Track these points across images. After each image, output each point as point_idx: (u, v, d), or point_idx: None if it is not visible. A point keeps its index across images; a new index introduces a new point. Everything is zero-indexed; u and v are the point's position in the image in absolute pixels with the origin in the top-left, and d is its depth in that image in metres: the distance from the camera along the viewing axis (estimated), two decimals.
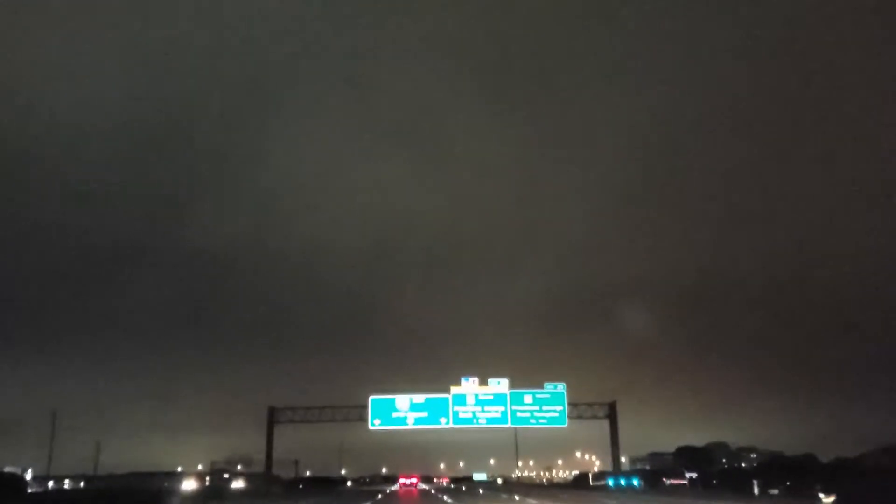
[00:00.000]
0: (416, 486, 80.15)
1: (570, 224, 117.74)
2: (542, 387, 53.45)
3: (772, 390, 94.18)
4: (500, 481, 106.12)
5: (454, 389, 53.11)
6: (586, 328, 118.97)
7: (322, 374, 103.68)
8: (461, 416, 52.65)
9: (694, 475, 56.67)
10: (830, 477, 29.07)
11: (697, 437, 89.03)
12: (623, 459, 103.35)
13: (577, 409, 54.22)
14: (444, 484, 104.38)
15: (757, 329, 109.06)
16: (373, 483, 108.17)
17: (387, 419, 53.00)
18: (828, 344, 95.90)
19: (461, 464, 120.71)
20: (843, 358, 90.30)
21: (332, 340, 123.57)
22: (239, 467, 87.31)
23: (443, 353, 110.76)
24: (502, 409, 52.73)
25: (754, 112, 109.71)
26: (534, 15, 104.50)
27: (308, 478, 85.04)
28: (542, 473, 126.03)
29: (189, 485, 56.83)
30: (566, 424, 52.89)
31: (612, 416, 54.18)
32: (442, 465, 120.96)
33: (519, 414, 52.84)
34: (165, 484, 60.09)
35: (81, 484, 68.54)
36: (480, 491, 47.26)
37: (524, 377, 56.16)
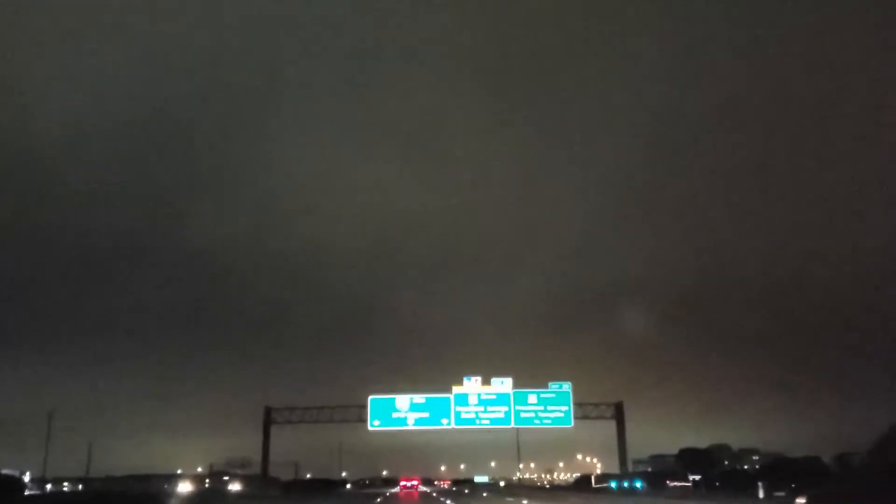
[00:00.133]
0: (416, 489, 78.07)
1: (571, 224, 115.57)
2: (546, 386, 50.72)
3: (772, 391, 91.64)
4: (502, 484, 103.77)
5: (456, 389, 50.47)
6: (588, 328, 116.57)
7: (322, 375, 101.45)
8: (463, 416, 50.02)
9: (697, 477, 54.72)
10: (805, 478, 28.47)
11: (698, 439, 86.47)
12: None
13: (583, 409, 51.44)
14: (445, 486, 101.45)
15: (757, 329, 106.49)
16: (372, 485, 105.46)
17: (386, 420, 50.28)
18: (828, 344, 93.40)
19: (462, 466, 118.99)
20: (843, 358, 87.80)
21: (331, 341, 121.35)
22: (239, 471, 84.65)
23: (444, 353, 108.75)
24: (506, 409, 50.09)
25: (755, 112, 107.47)
26: (534, 15, 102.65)
27: (306, 480, 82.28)
28: (543, 476, 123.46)
29: (185, 487, 54.66)
30: (572, 425, 50.23)
31: (618, 417, 51.49)
32: (443, 468, 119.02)
33: (523, 414, 50.22)
34: (165, 486, 58.28)
35: (80, 486, 66.55)
36: (485, 494, 44.41)
37: (528, 377, 52.97)
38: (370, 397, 50.45)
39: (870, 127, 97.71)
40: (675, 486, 52.03)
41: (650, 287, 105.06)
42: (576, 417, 50.35)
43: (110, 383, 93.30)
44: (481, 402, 50.15)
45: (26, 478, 56.68)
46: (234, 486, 58.30)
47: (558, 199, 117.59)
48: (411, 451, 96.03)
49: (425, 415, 50.19)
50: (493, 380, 50.67)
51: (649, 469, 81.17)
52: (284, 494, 56.76)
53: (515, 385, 50.51)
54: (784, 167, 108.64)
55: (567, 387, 50.47)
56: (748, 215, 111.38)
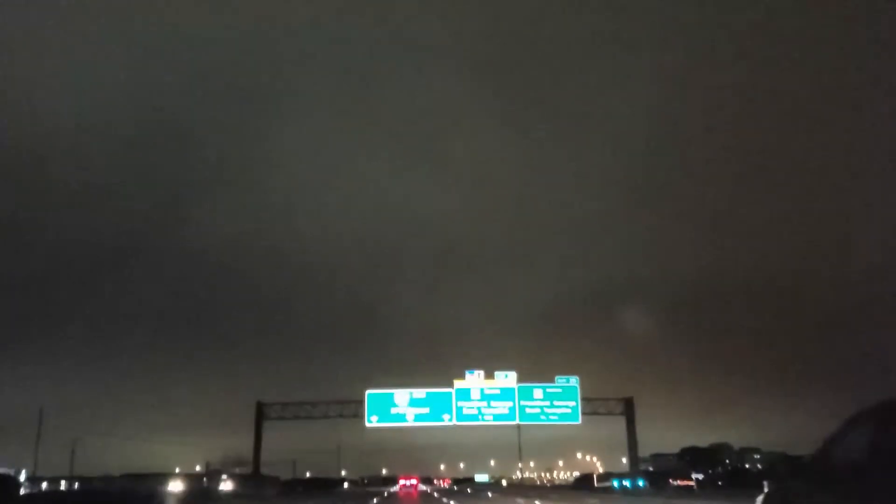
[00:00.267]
0: (415, 488, 75.24)
1: (573, 223, 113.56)
2: (552, 381, 47.04)
3: (772, 389, 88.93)
4: (504, 483, 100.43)
5: (458, 384, 46.91)
6: (588, 327, 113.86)
7: (321, 374, 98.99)
8: (465, 412, 46.49)
9: (700, 476, 53.79)
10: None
11: (698, 438, 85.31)
12: (623, 461, 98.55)
13: (591, 404, 47.67)
14: (446, 485, 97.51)
15: (756, 328, 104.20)
16: (371, 484, 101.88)
17: (385, 416, 46.64)
18: (829, 342, 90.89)
19: (461, 465, 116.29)
20: (844, 356, 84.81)
21: (330, 340, 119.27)
22: (237, 469, 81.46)
23: (444, 351, 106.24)
24: (510, 404, 46.51)
25: (756, 111, 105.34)
26: (535, 14, 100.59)
27: (301, 479, 78.85)
28: (542, 475, 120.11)
29: (175, 487, 51.24)
30: (580, 422, 46.50)
31: (628, 413, 47.81)
32: (442, 467, 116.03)
33: (528, 410, 46.66)
34: (159, 487, 55.30)
35: (76, 485, 62.89)
36: (490, 494, 40.75)
37: (533, 371, 49.42)
38: (367, 392, 46.75)
39: (871, 126, 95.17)
40: (678, 486, 49.07)
41: (650, 286, 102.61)
42: (583, 413, 46.66)
43: (109, 382, 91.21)
44: (484, 397, 46.62)
45: (22, 476, 53.93)
46: (226, 486, 54.66)
47: (560, 197, 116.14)
48: (410, 450, 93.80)
49: (425, 410, 46.65)
50: (497, 373, 47.15)
51: (650, 468, 78.61)
52: (281, 494, 53.68)
53: (520, 379, 47.02)
54: (785, 166, 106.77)
55: (574, 381, 46.94)
56: (751, 214, 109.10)
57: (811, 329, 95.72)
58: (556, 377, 47.15)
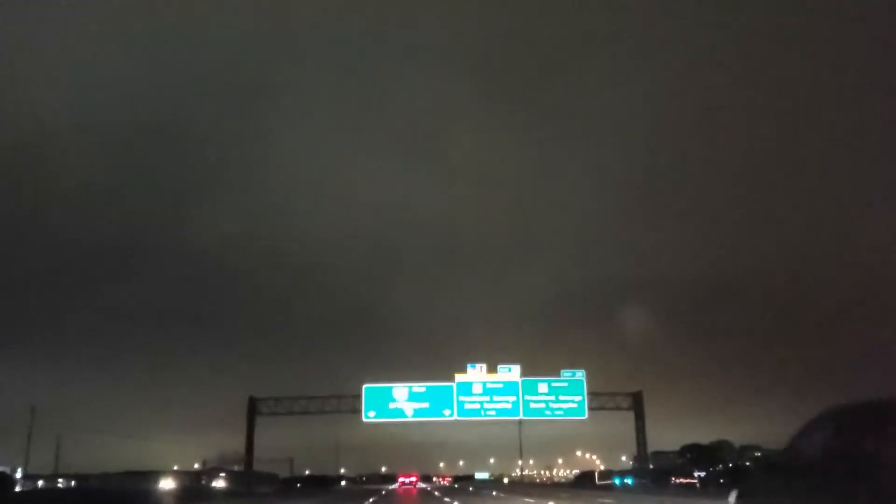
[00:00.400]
0: (415, 486, 72.60)
1: (574, 220, 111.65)
2: (558, 374, 43.78)
3: (772, 388, 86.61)
4: (506, 480, 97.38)
5: (459, 377, 43.83)
6: (589, 325, 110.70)
7: (320, 372, 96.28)
8: (467, 407, 43.40)
9: (702, 474, 52.16)
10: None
11: (699, 436, 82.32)
12: (623, 458, 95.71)
13: (598, 399, 44.46)
14: (446, 483, 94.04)
15: (757, 327, 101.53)
16: (370, 482, 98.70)
17: (383, 411, 43.53)
18: (830, 341, 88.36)
19: (461, 463, 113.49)
20: (845, 355, 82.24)
21: (329, 338, 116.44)
22: (235, 467, 78.90)
23: (446, 348, 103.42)
24: (513, 399, 43.44)
25: (758, 110, 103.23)
26: (537, 13, 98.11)
27: (299, 477, 76.01)
28: (542, 472, 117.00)
29: (167, 484, 48.40)
30: (586, 417, 43.35)
31: (637, 408, 44.59)
32: (441, 464, 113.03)
33: (532, 405, 43.58)
34: (150, 485, 52.68)
35: (73, 483, 61.61)
36: (494, 493, 37.47)
37: (537, 367, 46.14)
38: (364, 386, 43.57)
39: (873, 125, 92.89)
40: (680, 483, 47.62)
41: (651, 285, 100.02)
42: (590, 408, 43.47)
43: (109, 380, 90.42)
44: (486, 391, 43.50)
45: (18, 474, 53.86)
46: (219, 483, 51.66)
47: (562, 196, 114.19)
48: (409, 447, 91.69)
49: (425, 405, 43.59)
50: (500, 367, 44.03)
51: (651, 466, 76.24)
52: (279, 492, 50.87)
53: (524, 373, 43.77)
54: (786, 166, 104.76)
55: (581, 374, 43.83)
56: (758, 212, 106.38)
57: (811, 327, 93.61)
58: (562, 371, 44.16)
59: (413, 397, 43.65)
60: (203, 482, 55.68)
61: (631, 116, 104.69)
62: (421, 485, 78.36)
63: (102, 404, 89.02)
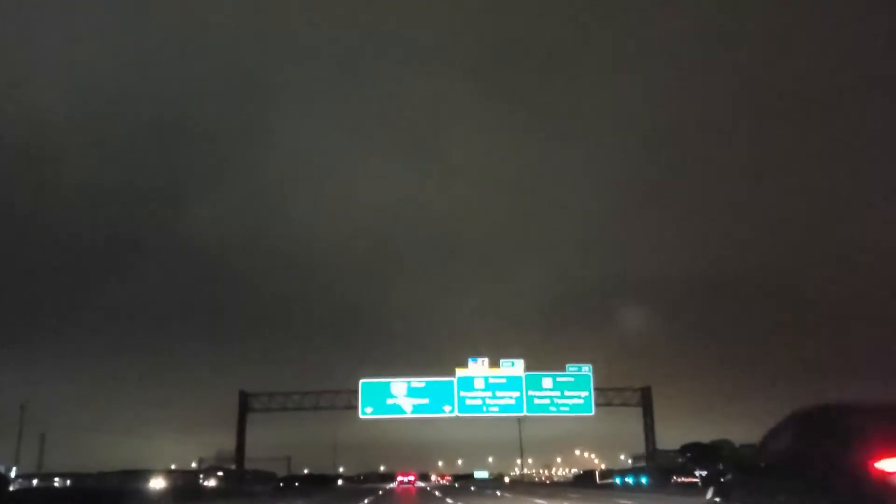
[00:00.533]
0: (413, 484, 70.35)
1: (576, 218, 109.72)
2: (563, 369, 40.79)
3: (772, 386, 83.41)
4: (506, 479, 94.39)
5: (460, 372, 41.00)
6: (588, 323, 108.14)
7: (320, 369, 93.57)
8: (468, 403, 40.55)
9: (704, 473, 47.31)
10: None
11: (699, 435, 79.15)
12: (622, 457, 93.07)
13: (605, 395, 41.49)
14: (446, 482, 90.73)
15: (760, 325, 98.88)
16: (368, 481, 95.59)
17: (380, 407, 40.63)
18: (831, 340, 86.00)
19: (459, 462, 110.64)
20: (847, 353, 79.76)
21: (329, 337, 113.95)
22: (234, 466, 76.19)
23: (446, 344, 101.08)
24: (517, 394, 40.58)
25: (762, 107, 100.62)
26: (539, 9, 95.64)
27: (297, 475, 73.21)
28: (541, 472, 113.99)
29: (157, 484, 45.66)
30: (593, 413, 40.41)
31: (645, 403, 41.58)
32: (440, 463, 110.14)
33: (536, 401, 40.67)
34: (141, 484, 50.19)
35: (68, 482, 59.61)
36: (498, 493, 34.51)
37: (541, 362, 43.32)
38: (361, 381, 40.66)
39: (876, 124, 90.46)
40: (681, 482, 44.23)
41: (651, 283, 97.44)
42: (597, 404, 40.48)
43: (107, 379, 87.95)
44: (489, 386, 40.63)
45: (13, 473, 52.45)
46: (211, 482, 48.83)
47: (562, 194, 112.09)
48: (407, 446, 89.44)
49: (425, 401, 40.72)
50: (503, 361, 41.18)
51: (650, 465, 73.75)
52: (277, 490, 48.13)
53: (528, 368, 40.82)
54: (789, 164, 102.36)
55: (587, 369, 40.94)
56: (755, 212, 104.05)
57: (814, 326, 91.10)
58: (567, 365, 41.18)
59: (412, 393, 40.76)
60: (202, 481, 53.89)
61: (632, 116, 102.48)
62: (419, 484, 76.19)
63: (102, 404, 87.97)
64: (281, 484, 62.24)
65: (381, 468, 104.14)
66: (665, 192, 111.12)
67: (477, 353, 41.40)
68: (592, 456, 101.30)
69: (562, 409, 40.73)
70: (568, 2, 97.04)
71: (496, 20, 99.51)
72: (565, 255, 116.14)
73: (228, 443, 75.53)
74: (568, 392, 40.67)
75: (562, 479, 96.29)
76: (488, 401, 40.58)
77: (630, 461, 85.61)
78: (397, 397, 40.73)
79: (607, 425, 62.06)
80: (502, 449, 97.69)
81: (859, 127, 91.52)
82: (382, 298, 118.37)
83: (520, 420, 70.06)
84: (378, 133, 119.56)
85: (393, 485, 72.44)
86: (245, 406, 41.27)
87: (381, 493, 44.30)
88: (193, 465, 75.24)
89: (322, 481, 72.82)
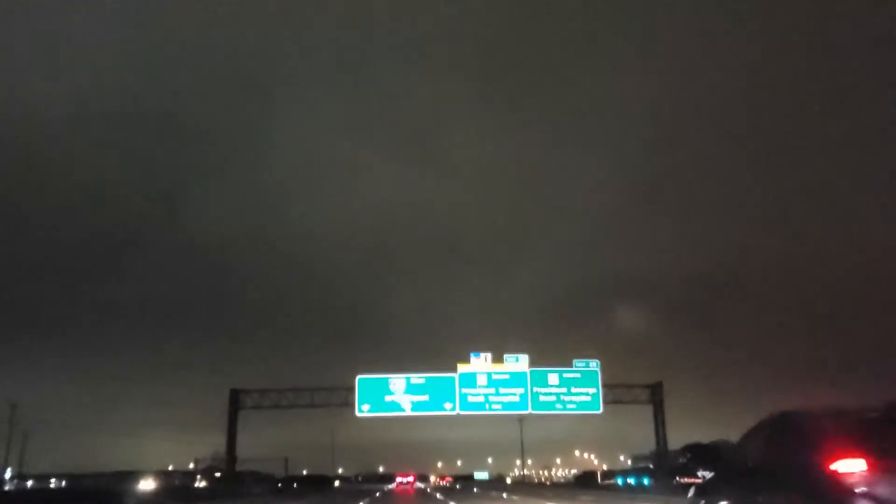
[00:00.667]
0: (412, 485, 68.13)
1: (578, 215, 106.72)
2: (570, 365, 37.89)
3: (773, 385, 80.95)
4: (508, 480, 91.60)
5: (462, 368, 38.19)
6: (591, 324, 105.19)
7: (320, 371, 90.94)
8: (470, 400, 37.77)
9: (707, 473, 43.60)
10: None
11: (700, 435, 76.34)
12: (622, 458, 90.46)
13: (614, 392, 38.60)
14: (446, 483, 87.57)
15: (762, 325, 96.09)
16: (366, 481, 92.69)
17: (378, 404, 37.86)
18: (832, 339, 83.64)
19: (458, 462, 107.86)
20: (847, 353, 77.26)
21: (329, 336, 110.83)
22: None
23: (447, 347, 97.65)
24: (521, 391, 37.82)
25: (764, 105, 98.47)
26: (536, 12, 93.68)
27: (295, 476, 70.43)
28: (540, 472, 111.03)
29: (146, 485, 42.98)
30: (601, 410, 37.60)
31: (656, 401, 38.69)
32: (439, 464, 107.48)
33: (542, 398, 37.88)
34: (131, 485, 47.73)
35: (63, 483, 58.62)
36: (504, 496, 31.62)
37: (547, 357, 40.41)
38: (358, 377, 37.81)
39: (879, 123, 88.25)
40: (684, 483, 40.91)
41: (652, 284, 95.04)
42: (605, 402, 37.57)
43: (106, 379, 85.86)
44: (492, 383, 37.84)
45: (7, 474, 51.05)
46: (201, 483, 46.09)
47: (566, 190, 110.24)
48: (406, 447, 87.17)
49: (424, 398, 37.92)
50: (507, 357, 38.38)
51: (650, 465, 71.34)
52: (269, 492, 45.84)
53: (533, 363, 37.97)
54: (793, 161, 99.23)
55: (595, 365, 38.16)
56: (757, 212, 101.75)
57: (814, 324, 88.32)
58: (574, 360, 38.34)
59: (411, 389, 37.95)
60: (198, 482, 51.71)
61: (633, 115, 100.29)
62: (418, 485, 74.08)
63: (101, 404, 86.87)
64: (279, 485, 60.01)
65: (381, 469, 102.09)
66: (667, 190, 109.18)
67: (479, 348, 38.63)
68: (592, 457, 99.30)
69: (568, 406, 37.90)
70: (568, 2, 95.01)
71: (496, 20, 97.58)
72: (566, 254, 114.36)
73: (222, 442, 73.50)
74: (575, 389, 37.84)
75: (561, 481, 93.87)
76: (491, 398, 37.78)
77: (629, 462, 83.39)
78: (395, 394, 37.93)
79: (607, 425, 60.39)
80: (502, 450, 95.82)
81: (865, 125, 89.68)
82: (381, 297, 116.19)
83: (521, 420, 68.23)
84: (378, 133, 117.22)
85: (392, 486, 70.55)
86: (236, 404, 38.33)
87: (377, 494, 41.45)
88: (191, 465, 73.03)
89: (320, 482, 70.50)
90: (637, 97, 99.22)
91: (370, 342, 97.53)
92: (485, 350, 38.44)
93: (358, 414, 37.86)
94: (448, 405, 37.72)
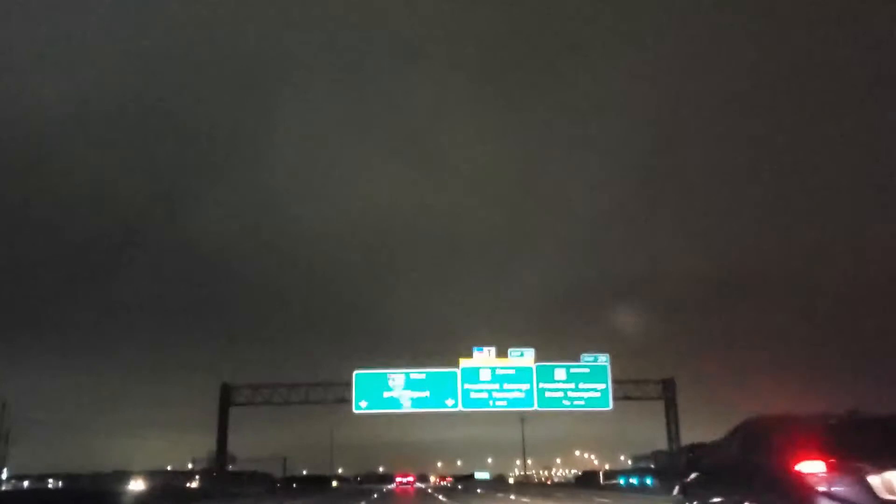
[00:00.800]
0: (412, 485, 66.38)
1: (579, 214, 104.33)
2: (578, 359, 35.32)
3: (772, 384, 78.24)
4: (511, 480, 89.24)
5: (464, 362, 35.71)
6: (591, 324, 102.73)
7: (320, 371, 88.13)
8: (473, 396, 35.23)
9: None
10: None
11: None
12: (622, 458, 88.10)
13: (623, 387, 36.02)
14: (447, 484, 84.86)
15: (765, 325, 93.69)
16: (366, 482, 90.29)
17: (376, 401, 35.32)
18: (834, 339, 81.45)
19: (458, 462, 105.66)
20: (849, 352, 74.97)
21: (328, 336, 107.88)
22: (230, 466, 71.53)
23: (447, 345, 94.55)
24: (526, 387, 35.26)
25: (768, 102, 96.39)
26: (536, 12, 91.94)
27: (295, 476, 68.35)
28: (541, 472, 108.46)
29: (137, 486, 41.00)
30: (610, 407, 35.00)
31: (667, 396, 36.13)
32: (439, 464, 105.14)
33: (548, 394, 35.24)
34: (122, 486, 46.05)
35: (60, 483, 59.09)
36: (512, 497, 29.07)
37: (553, 352, 37.76)
38: (355, 372, 35.19)
39: (884, 122, 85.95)
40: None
41: (654, 283, 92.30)
42: (615, 398, 34.94)
43: (105, 378, 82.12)
44: (496, 378, 35.27)
45: (4, 475, 48.39)
46: (193, 483, 43.76)
47: (566, 190, 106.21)
48: (406, 446, 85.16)
49: (425, 394, 35.37)
50: (511, 351, 35.79)
51: (651, 465, 69.29)
52: (266, 493, 43.90)
53: (538, 358, 35.35)
54: (796, 159, 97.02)
55: (604, 359, 35.56)
56: (773, 207, 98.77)
57: (815, 323, 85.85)
58: (582, 355, 35.74)
59: (411, 385, 35.39)
60: (196, 482, 50.75)
61: (633, 115, 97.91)
62: (418, 485, 72.29)
63: (99, 404, 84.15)
64: (278, 485, 58.09)
65: (381, 469, 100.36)
66: (671, 190, 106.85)
67: (482, 343, 36.04)
68: (592, 457, 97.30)
69: (576, 402, 35.27)
70: (568, 2, 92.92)
71: (496, 20, 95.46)
72: (566, 254, 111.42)
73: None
74: (583, 384, 35.22)
75: (562, 480, 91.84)
76: (495, 394, 35.22)
77: (630, 462, 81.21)
78: (395, 390, 35.37)
79: (609, 425, 58.59)
80: (502, 450, 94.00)
81: (869, 125, 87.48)
82: (381, 297, 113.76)
83: (523, 418, 65.99)
84: (378, 133, 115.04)
85: (391, 486, 68.81)
86: (227, 399, 35.69)
87: (375, 495, 38.91)
88: (189, 465, 71.03)
89: (318, 482, 68.44)
90: (637, 97, 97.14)
91: (369, 341, 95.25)
92: (489, 344, 36.12)
93: (355, 411, 35.30)
94: (450, 401, 35.12)
